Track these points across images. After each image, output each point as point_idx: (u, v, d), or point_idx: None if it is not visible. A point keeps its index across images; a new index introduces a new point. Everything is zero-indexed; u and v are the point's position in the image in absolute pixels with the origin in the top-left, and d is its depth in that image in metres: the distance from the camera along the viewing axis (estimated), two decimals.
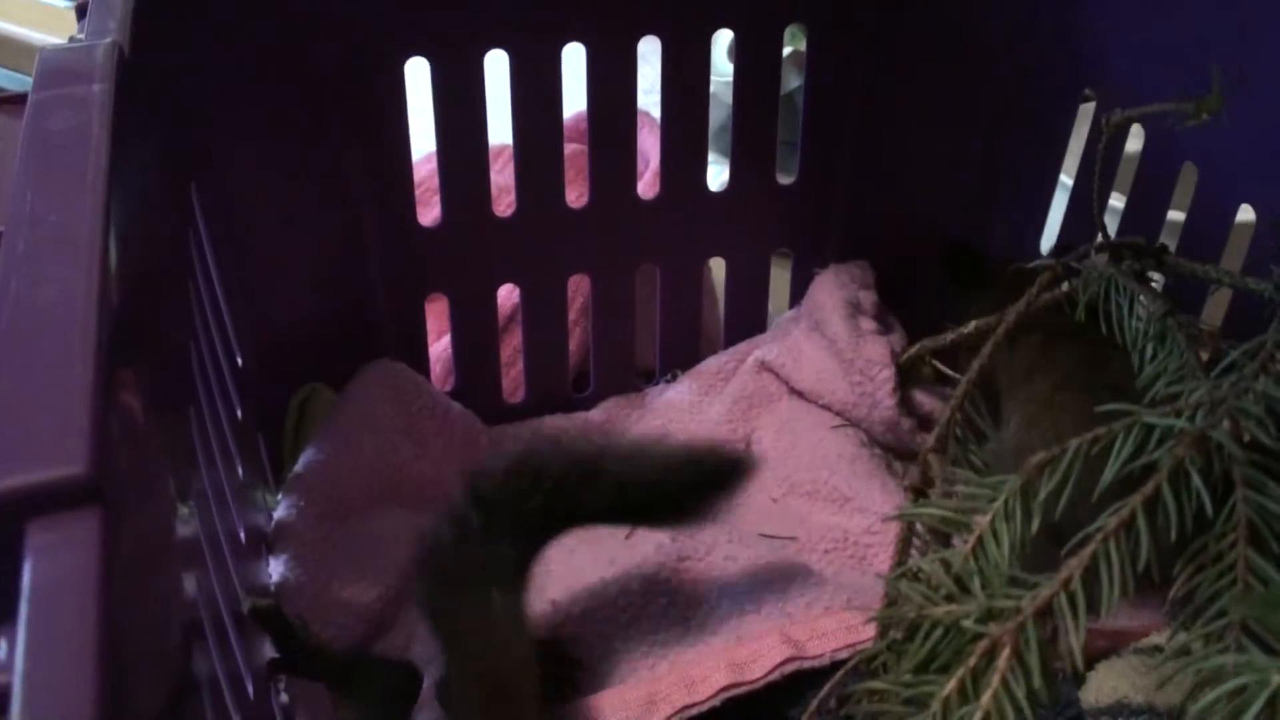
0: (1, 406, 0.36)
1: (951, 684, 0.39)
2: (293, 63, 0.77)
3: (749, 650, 0.66)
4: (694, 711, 0.64)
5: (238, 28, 0.74)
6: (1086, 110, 0.85)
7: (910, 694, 0.40)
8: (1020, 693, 0.38)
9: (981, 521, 0.43)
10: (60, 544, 0.33)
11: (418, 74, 0.81)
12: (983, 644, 0.39)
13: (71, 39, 0.58)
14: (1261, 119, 0.69)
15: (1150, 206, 0.78)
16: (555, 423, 0.92)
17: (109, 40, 0.55)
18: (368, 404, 0.83)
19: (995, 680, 0.38)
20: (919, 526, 0.47)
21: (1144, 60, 0.78)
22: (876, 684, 0.44)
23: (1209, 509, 0.42)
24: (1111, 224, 0.80)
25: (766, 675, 0.64)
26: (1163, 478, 0.41)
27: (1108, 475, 0.43)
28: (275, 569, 0.72)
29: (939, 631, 0.41)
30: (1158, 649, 0.65)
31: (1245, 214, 0.73)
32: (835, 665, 0.64)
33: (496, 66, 0.82)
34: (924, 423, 0.87)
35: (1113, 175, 0.79)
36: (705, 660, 0.67)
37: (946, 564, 0.42)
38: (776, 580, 0.73)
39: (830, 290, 0.91)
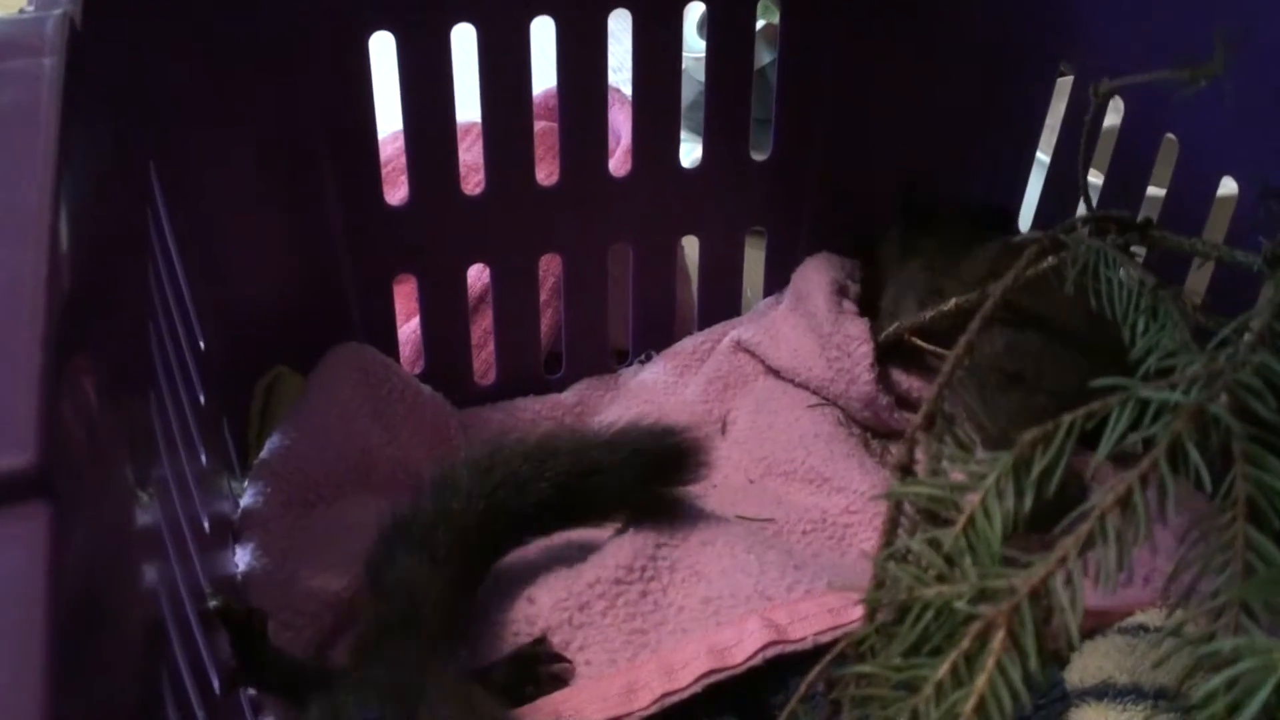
0: None
1: (944, 667, 0.38)
2: (254, 36, 0.75)
3: (729, 635, 0.65)
4: (675, 699, 0.63)
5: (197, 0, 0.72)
6: (1063, 86, 0.84)
7: (902, 678, 0.39)
8: (1015, 675, 0.37)
9: (972, 500, 0.42)
10: (5, 541, 0.31)
11: (383, 48, 0.79)
12: (976, 625, 0.38)
13: (21, 11, 0.56)
14: (1243, 89, 0.68)
15: (1130, 181, 0.77)
16: (527, 405, 0.91)
17: (60, 12, 0.53)
18: (335, 388, 0.81)
19: (990, 663, 0.37)
20: (906, 506, 0.46)
21: (1120, 32, 0.77)
22: (866, 668, 0.43)
23: (1207, 485, 0.41)
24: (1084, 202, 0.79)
25: (748, 660, 0.63)
26: (1160, 453, 0.40)
27: (1102, 451, 0.42)
28: (242, 558, 0.70)
29: (930, 613, 0.39)
30: (1143, 628, 0.64)
31: (1227, 186, 0.72)
32: (818, 649, 0.63)
33: (463, 41, 0.80)
34: (902, 400, 0.86)
35: (1091, 148, 0.78)
36: (685, 647, 0.65)
37: (936, 543, 0.41)
38: (754, 563, 0.71)
39: (821, 268, 0.90)
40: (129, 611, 0.43)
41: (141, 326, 0.57)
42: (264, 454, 0.76)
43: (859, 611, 0.63)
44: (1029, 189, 0.88)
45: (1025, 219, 0.88)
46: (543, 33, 0.81)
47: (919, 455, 0.47)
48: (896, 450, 0.83)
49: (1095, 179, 0.83)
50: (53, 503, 0.32)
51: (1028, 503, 0.41)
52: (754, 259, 0.96)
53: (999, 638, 0.38)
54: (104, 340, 0.47)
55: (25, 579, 0.30)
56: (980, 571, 0.39)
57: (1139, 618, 0.65)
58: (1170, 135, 0.75)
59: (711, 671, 0.63)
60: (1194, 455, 0.40)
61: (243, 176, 0.78)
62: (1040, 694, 0.61)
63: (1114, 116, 0.80)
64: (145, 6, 0.69)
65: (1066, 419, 0.43)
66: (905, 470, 0.48)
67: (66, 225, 0.43)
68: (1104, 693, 0.60)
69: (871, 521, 0.78)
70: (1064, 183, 0.83)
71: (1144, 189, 0.77)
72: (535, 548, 0.74)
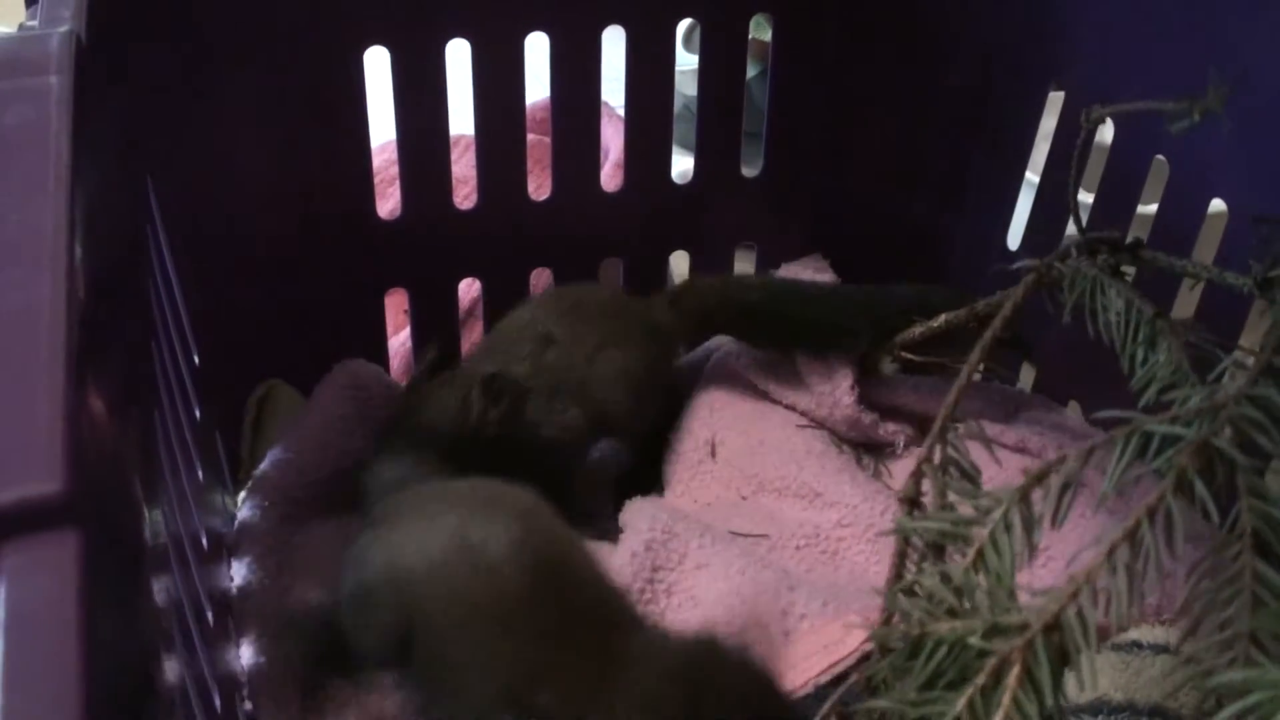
0: None
1: (961, 703, 0.38)
2: (250, 51, 0.75)
3: None
4: None
5: (194, 15, 0.72)
6: (1053, 101, 0.85)
7: (918, 714, 0.39)
8: (1033, 710, 0.38)
9: (980, 534, 0.42)
10: (37, 568, 0.31)
11: (377, 63, 0.79)
12: (991, 662, 0.38)
13: (22, 26, 0.56)
14: (1233, 112, 0.69)
15: (1120, 201, 0.78)
16: None
17: (65, 29, 0.53)
18: (333, 404, 0.81)
19: (1006, 699, 0.38)
20: (915, 540, 0.46)
21: (1112, 52, 0.78)
22: (881, 703, 0.43)
23: (1214, 517, 0.41)
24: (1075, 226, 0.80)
25: None
26: (1167, 487, 0.40)
27: (1108, 483, 0.43)
28: (238, 571, 0.70)
29: (943, 649, 0.40)
30: (1137, 645, 0.65)
31: (1217, 206, 0.73)
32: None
33: (457, 55, 0.80)
34: (886, 413, 0.86)
35: (1080, 168, 0.79)
36: None
37: (946, 577, 0.42)
38: (749, 585, 0.71)
39: (798, 276, 0.90)
40: (142, 627, 0.43)
41: (145, 344, 0.57)
42: (262, 468, 0.76)
43: (855, 642, 0.64)
44: (1018, 208, 0.89)
45: (1014, 238, 0.89)
46: (534, 46, 0.81)
47: (925, 487, 0.47)
48: (886, 469, 0.85)
49: (1085, 197, 0.84)
50: (81, 529, 0.32)
51: (1037, 536, 0.42)
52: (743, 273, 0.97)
53: (1014, 673, 0.38)
54: (116, 361, 0.47)
55: (60, 603, 0.30)
56: (992, 606, 0.40)
57: (1133, 634, 0.66)
58: (1160, 157, 0.76)
59: None
60: (1200, 489, 0.41)
61: (236, 189, 0.78)
62: None
63: (1104, 134, 0.81)
64: (145, 22, 0.69)
65: (1073, 451, 0.44)
66: (913, 503, 0.48)
67: (81, 245, 0.43)
68: (1099, 710, 0.61)
69: (864, 534, 0.78)
70: (1053, 202, 0.83)
71: (1134, 209, 0.78)
72: None
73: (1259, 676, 0.35)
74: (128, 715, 0.36)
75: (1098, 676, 0.63)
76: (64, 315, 0.38)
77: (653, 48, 0.84)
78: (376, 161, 0.85)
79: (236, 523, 0.73)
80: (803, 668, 0.64)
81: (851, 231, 0.93)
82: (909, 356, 0.84)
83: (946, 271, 0.93)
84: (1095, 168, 0.80)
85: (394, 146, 0.83)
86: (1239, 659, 0.38)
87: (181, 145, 0.73)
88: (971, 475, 0.47)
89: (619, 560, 0.73)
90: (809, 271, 0.91)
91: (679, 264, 0.96)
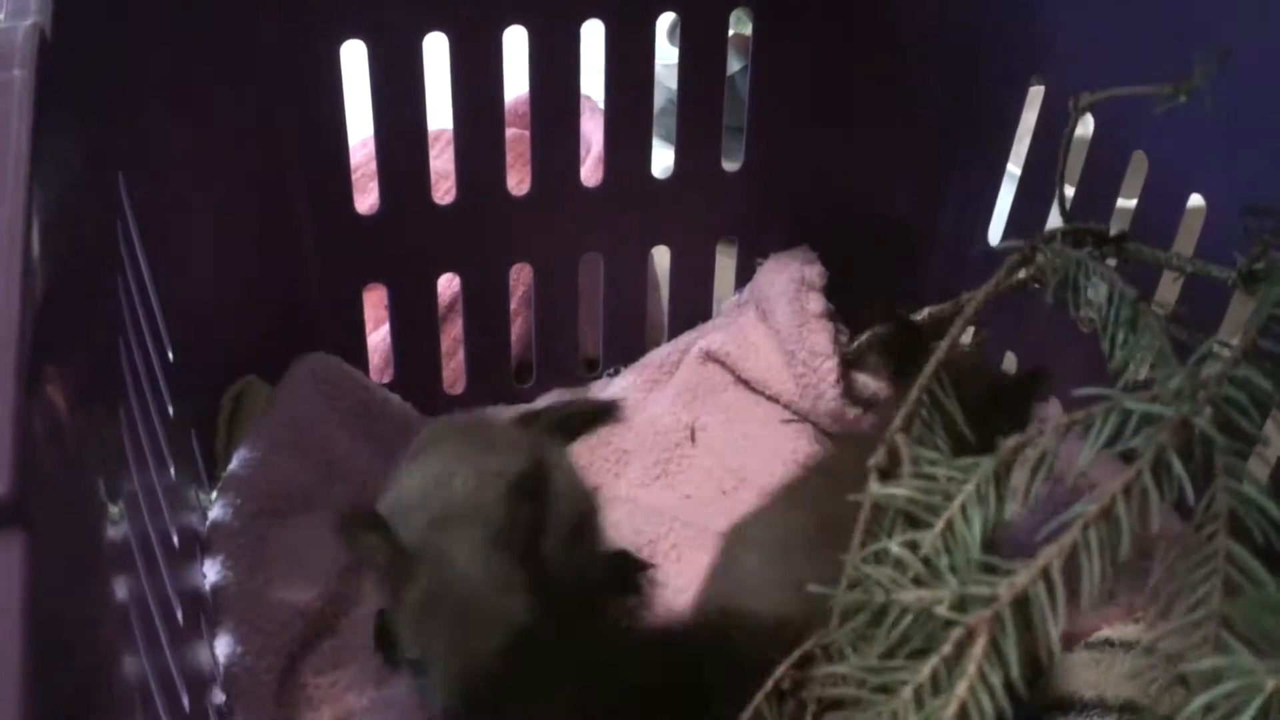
0: None
1: (924, 672, 0.38)
2: (225, 45, 0.75)
3: None
4: None
5: (167, 7, 0.72)
6: (1033, 96, 0.85)
7: (879, 680, 0.39)
8: (997, 682, 0.37)
9: (952, 504, 0.42)
10: None
11: (354, 57, 0.78)
12: (957, 632, 0.38)
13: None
14: (1213, 107, 0.68)
15: (1099, 194, 0.78)
16: (497, 414, 0.90)
17: (30, 22, 0.52)
18: (302, 399, 0.81)
19: (971, 669, 0.37)
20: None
21: (1091, 46, 0.78)
22: (841, 668, 0.42)
23: (1190, 497, 0.41)
24: (1058, 215, 0.80)
25: None
26: (1144, 464, 0.40)
27: (1085, 458, 0.42)
28: (211, 570, 0.70)
29: (909, 618, 0.39)
30: (1108, 643, 0.65)
31: (1195, 201, 0.73)
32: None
33: (435, 49, 0.79)
34: (869, 405, 0.86)
35: (1066, 161, 0.79)
36: None
37: (914, 546, 0.41)
38: None
39: (775, 275, 0.90)
40: (99, 625, 0.43)
41: (112, 340, 0.57)
42: (233, 466, 0.76)
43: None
44: (999, 202, 0.89)
45: (996, 231, 0.89)
46: (512, 39, 0.81)
47: (901, 456, 0.47)
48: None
49: (1066, 190, 0.84)
50: (26, 530, 0.32)
51: (1008, 509, 0.42)
52: (725, 267, 0.96)
53: (981, 644, 0.38)
54: (76, 355, 0.47)
55: (1, 607, 0.30)
56: (961, 578, 0.39)
57: (1105, 633, 0.66)
58: (1139, 151, 0.76)
59: None
60: (1178, 467, 0.40)
61: (211, 186, 0.78)
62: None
63: (1083, 129, 0.81)
64: (114, 15, 0.68)
65: (1051, 424, 0.43)
66: (884, 474, 0.48)
67: (39, 240, 0.43)
68: (1070, 707, 0.61)
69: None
70: (1034, 195, 0.83)
71: (1114, 202, 0.78)
72: None
73: (1231, 664, 0.35)
74: (80, 694, 0.36)
75: (1071, 676, 0.63)
76: (17, 314, 0.38)
77: (632, 41, 0.84)
78: (355, 158, 0.85)
79: (208, 521, 0.73)
80: None
81: (833, 225, 0.93)
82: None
83: (928, 265, 0.93)
84: (1075, 161, 0.80)
85: (373, 143, 0.82)
86: (1209, 642, 0.38)
87: (155, 140, 0.73)
88: (942, 446, 0.47)
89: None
90: (797, 263, 0.91)
91: (661, 259, 0.95)
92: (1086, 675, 0.62)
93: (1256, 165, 0.68)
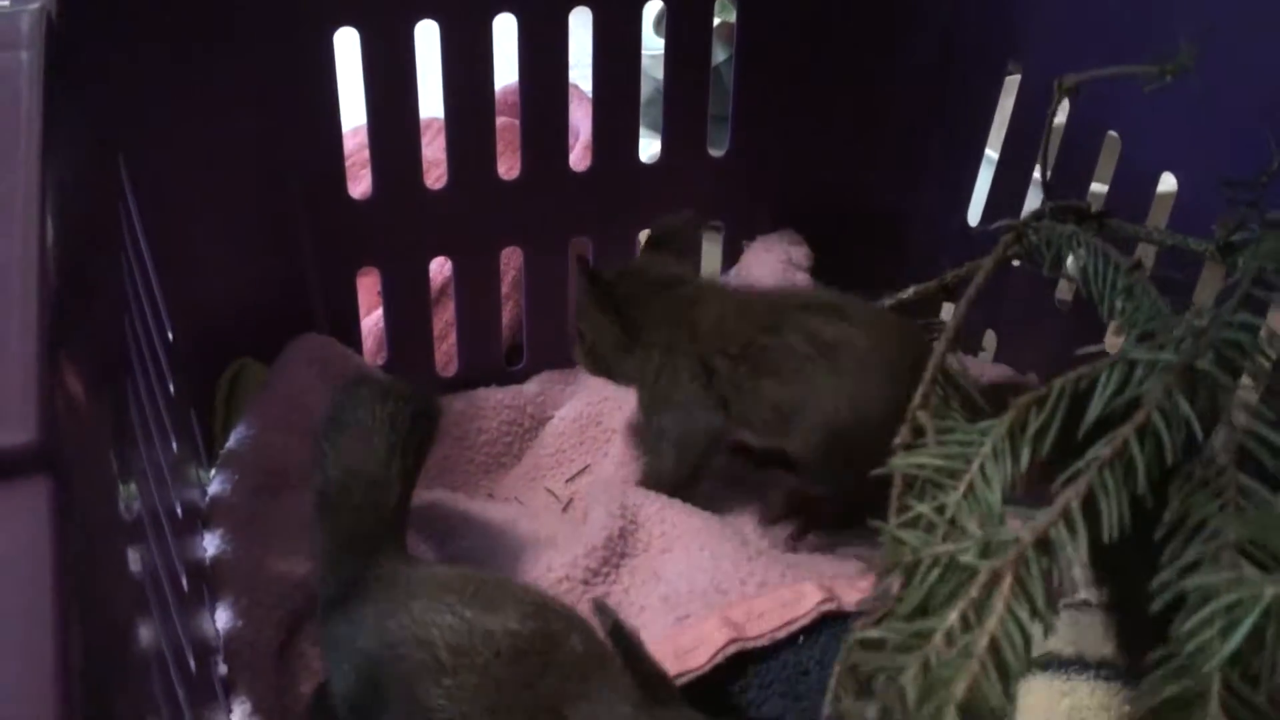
0: None
1: (953, 615, 0.40)
2: (222, 32, 0.76)
3: (690, 638, 0.65)
4: None
5: None
6: (1009, 85, 0.87)
7: (911, 630, 0.41)
8: (1025, 615, 0.39)
9: (971, 466, 0.44)
10: (12, 513, 0.32)
11: (347, 44, 0.80)
12: (983, 576, 0.40)
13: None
14: (1182, 87, 0.70)
15: (1074, 177, 0.80)
16: (489, 395, 0.92)
17: (36, 6, 0.54)
18: (297, 378, 0.83)
19: (999, 606, 0.39)
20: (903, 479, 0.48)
21: (1068, 31, 0.80)
22: (873, 632, 0.44)
23: (1199, 435, 0.43)
24: (1035, 197, 0.82)
25: (711, 660, 0.64)
26: (1152, 406, 0.42)
27: (1093, 411, 0.44)
28: (211, 543, 0.72)
29: (937, 570, 0.41)
30: (1086, 603, 0.67)
31: (1166, 183, 0.75)
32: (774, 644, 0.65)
33: (426, 36, 0.81)
34: None
35: (1039, 145, 0.81)
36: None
37: (940, 510, 0.43)
38: (708, 559, 0.73)
39: (762, 256, 0.92)
40: (116, 591, 0.45)
41: (117, 318, 0.58)
42: (230, 443, 0.78)
43: (812, 602, 0.66)
44: (978, 185, 0.91)
45: (974, 215, 0.91)
46: (502, 28, 0.83)
47: (925, 428, 0.49)
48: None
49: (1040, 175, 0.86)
50: (54, 477, 0.33)
51: (1024, 464, 0.43)
52: (711, 252, 0.98)
53: (1007, 583, 0.39)
54: (85, 331, 0.48)
55: (33, 546, 0.31)
56: (985, 531, 0.41)
57: (1084, 594, 0.68)
58: (1113, 133, 0.78)
59: (678, 675, 0.64)
60: (1184, 408, 0.42)
61: (208, 169, 0.79)
62: None
63: (1060, 114, 0.83)
64: (116, 3, 0.70)
65: (1058, 382, 0.45)
66: (908, 446, 0.50)
67: (51, 216, 0.44)
68: (1049, 664, 0.63)
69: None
70: (1012, 179, 0.85)
71: (1088, 184, 0.80)
72: (498, 527, 0.76)
73: (1237, 578, 0.37)
74: (103, 659, 0.37)
75: (1050, 633, 0.65)
76: (36, 278, 0.39)
77: (619, 28, 0.86)
78: (350, 144, 0.87)
79: (208, 496, 0.75)
80: (758, 622, 0.66)
81: (816, 208, 0.95)
82: None
83: (908, 246, 0.95)
84: (1051, 145, 0.82)
85: (365, 131, 0.84)
86: (1224, 567, 0.39)
87: (154, 125, 0.74)
88: (960, 413, 0.48)
89: (581, 551, 0.74)
90: (784, 244, 0.93)
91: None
92: (1066, 634, 0.64)
93: (1225, 144, 0.70)
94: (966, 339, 0.90)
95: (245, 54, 0.77)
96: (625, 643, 0.56)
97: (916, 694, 0.39)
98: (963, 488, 0.44)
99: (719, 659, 0.64)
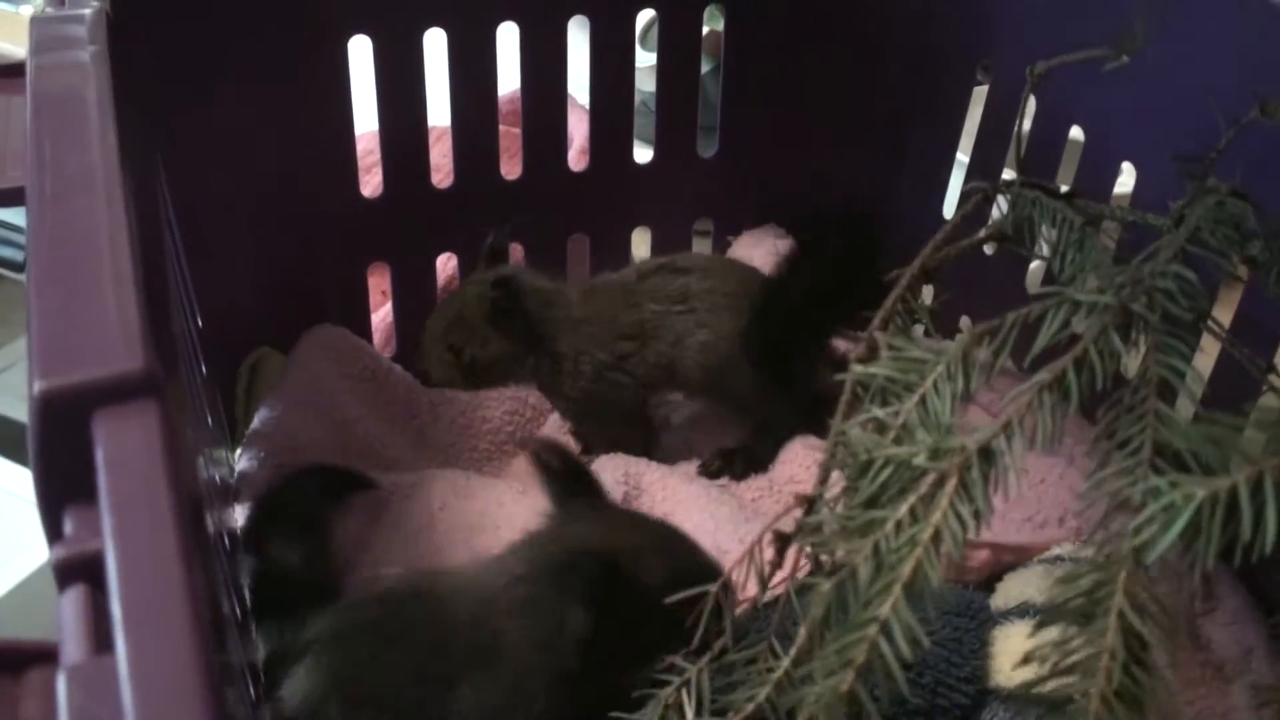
0: (61, 317, 0.40)
1: (903, 508, 0.45)
2: (247, 38, 0.81)
3: None
4: None
5: (196, 6, 0.78)
6: (978, 95, 0.92)
7: (861, 521, 0.46)
8: (966, 512, 0.44)
9: (925, 381, 0.49)
10: (127, 426, 0.37)
11: (361, 51, 0.85)
12: (931, 476, 0.45)
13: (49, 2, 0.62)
14: (1141, 80, 0.76)
15: (1041, 173, 0.85)
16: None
17: (96, 6, 0.59)
18: (314, 365, 0.87)
19: (944, 502, 0.44)
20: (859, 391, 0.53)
21: (1036, 33, 0.85)
22: (822, 516, 0.49)
23: (1130, 370, 0.49)
24: (1002, 201, 0.87)
25: None
26: (1089, 341, 0.48)
27: (1039, 344, 0.50)
28: (242, 515, 0.76)
29: (888, 470, 0.46)
30: (1060, 558, 0.72)
31: (1125, 176, 0.80)
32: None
33: (434, 44, 0.86)
34: (839, 366, 0.93)
35: (1006, 147, 0.86)
36: None
37: (894, 413, 0.48)
38: (709, 521, 0.78)
39: (751, 249, 0.98)
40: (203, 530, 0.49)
41: (165, 299, 0.63)
42: (255, 424, 0.83)
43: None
44: (951, 184, 0.96)
45: (949, 209, 0.96)
46: (504, 36, 0.88)
47: (879, 345, 0.54)
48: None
49: (1008, 175, 0.91)
50: (159, 400, 0.38)
51: (974, 384, 0.49)
52: (700, 247, 1.04)
53: (952, 483, 0.45)
54: (153, 304, 0.53)
55: (149, 450, 0.36)
56: (934, 438, 0.46)
57: (1056, 550, 0.73)
58: (1076, 128, 0.83)
59: None
60: (1117, 343, 0.48)
61: (231, 167, 0.84)
62: (969, 615, 0.68)
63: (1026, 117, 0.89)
64: (160, 9, 0.75)
65: (1010, 316, 0.51)
66: (863, 361, 0.55)
67: (126, 187, 0.49)
68: (1024, 613, 0.68)
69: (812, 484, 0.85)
70: (982, 176, 0.91)
71: (1053, 177, 0.85)
72: (504, 505, 0.81)
73: (1173, 480, 0.42)
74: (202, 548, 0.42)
75: (1025, 585, 0.70)
76: (125, 236, 0.44)
77: (614, 35, 0.91)
78: (360, 148, 0.92)
79: (236, 473, 0.79)
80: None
81: (801, 205, 1.00)
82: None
83: (888, 239, 1.00)
84: (1021, 126, 0.87)
85: (375, 136, 0.89)
86: (1140, 480, 0.45)
87: (183, 126, 0.79)
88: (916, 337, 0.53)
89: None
90: (769, 239, 0.99)
91: (640, 239, 1.02)
92: (1039, 584, 0.69)
93: (1181, 133, 0.76)
94: (943, 323, 0.95)
95: (268, 59, 0.82)
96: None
97: (868, 574, 0.45)
98: (915, 398, 0.49)
99: None
